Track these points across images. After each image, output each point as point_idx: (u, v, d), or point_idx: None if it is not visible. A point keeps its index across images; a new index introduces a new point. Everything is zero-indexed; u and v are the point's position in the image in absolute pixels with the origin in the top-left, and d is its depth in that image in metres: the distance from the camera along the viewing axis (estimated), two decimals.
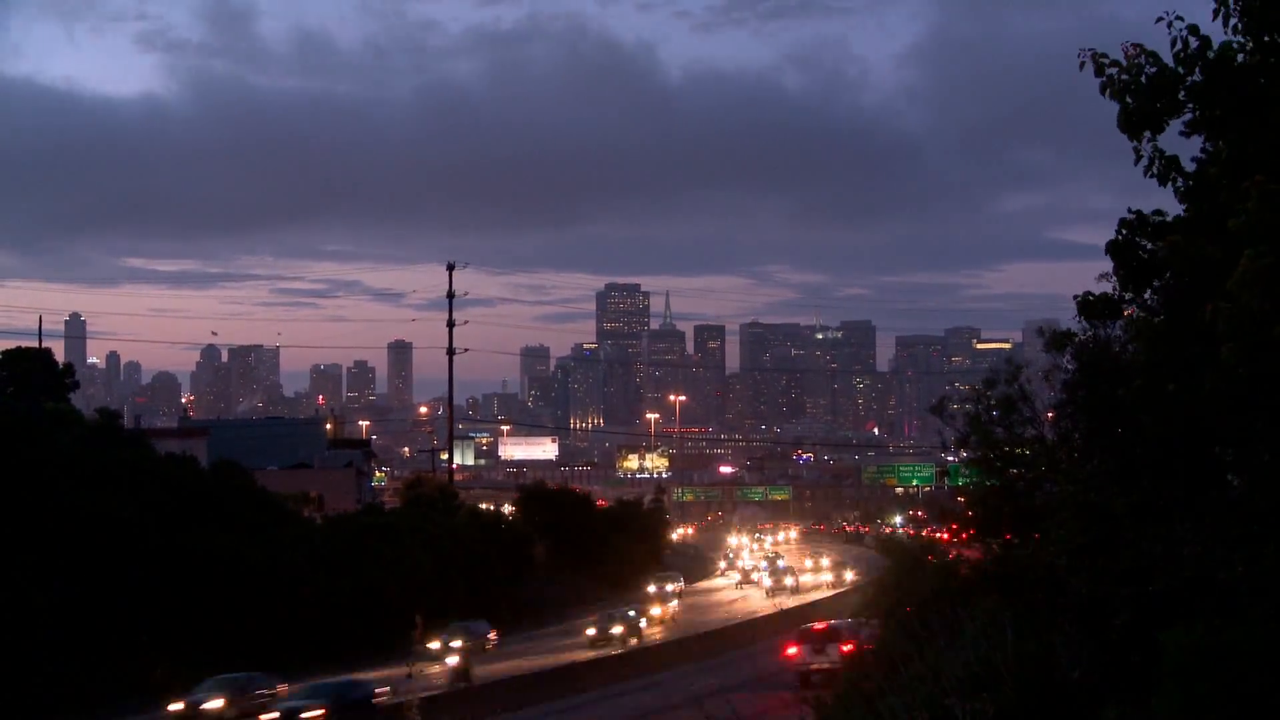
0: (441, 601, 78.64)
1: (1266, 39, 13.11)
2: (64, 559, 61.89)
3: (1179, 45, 13.32)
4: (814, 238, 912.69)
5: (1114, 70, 13.61)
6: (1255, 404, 12.68)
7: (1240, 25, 13.19)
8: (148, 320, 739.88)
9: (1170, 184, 13.92)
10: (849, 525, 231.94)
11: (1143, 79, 13.48)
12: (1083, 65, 13.73)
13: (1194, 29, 13.33)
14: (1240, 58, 13.31)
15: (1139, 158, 13.80)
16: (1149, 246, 14.56)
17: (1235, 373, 12.15)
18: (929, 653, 20.80)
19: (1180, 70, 13.42)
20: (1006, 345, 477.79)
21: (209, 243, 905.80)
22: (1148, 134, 13.71)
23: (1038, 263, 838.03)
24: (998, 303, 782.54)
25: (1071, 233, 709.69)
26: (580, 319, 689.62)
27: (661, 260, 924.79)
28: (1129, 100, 13.53)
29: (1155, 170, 13.84)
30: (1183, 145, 14.09)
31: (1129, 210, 14.74)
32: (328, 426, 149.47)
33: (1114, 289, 15.59)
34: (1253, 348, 11.75)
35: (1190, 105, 13.59)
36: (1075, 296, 16.23)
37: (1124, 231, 14.59)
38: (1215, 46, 13.35)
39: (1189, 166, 14.05)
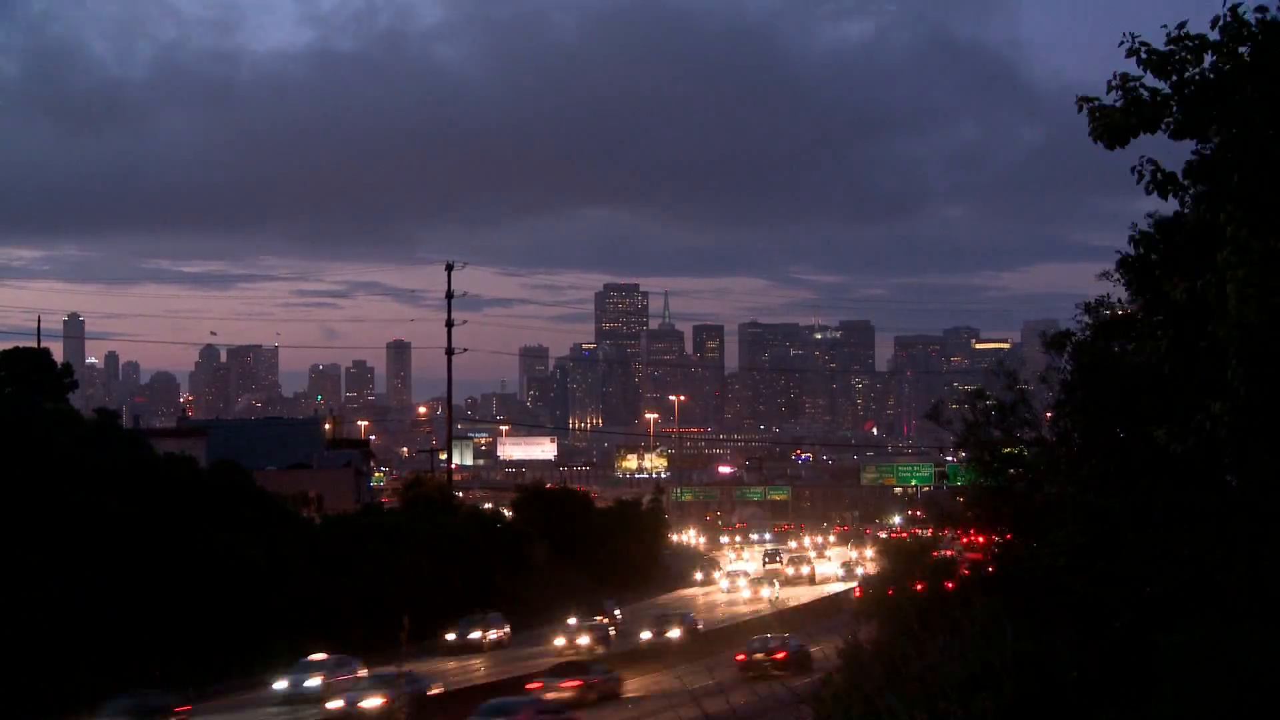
0: (440, 601, 78.75)
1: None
2: (62, 559, 61.86)
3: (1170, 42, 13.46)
4: (836, 238, 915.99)
5: (1099, 113, 13.94)
6: (1261, 419, 12.69)
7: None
8: (164, 321, 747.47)
9: (1173, 196, 14.04)
10: (846, 526, 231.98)
11: (1141, 91, 13.63)
12: (1081, 108, 14.04)
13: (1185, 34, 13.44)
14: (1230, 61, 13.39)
15: (1140, 177, 13.95)
16: (1158, 261, 14.66)
17: (1240, 390, 12.17)
18: (928, 653, 20.80)
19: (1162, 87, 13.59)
20: (1005, 345, 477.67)
21: (239, 244, 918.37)
22: (1146, 158, 13.87)
23: (1060, 264, 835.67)
24: (1018, 305, 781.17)
25: (1095, 235, 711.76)
26: (585, 320, 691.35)
27: (670, 261, 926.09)
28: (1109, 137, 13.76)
29: (1154, 185, 13.96)
30: (1178, 150, 14.20)
31: (1144, 218, 14.86)
32: (326, 426, 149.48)
33: (1122, 301, 15.65)
34: (1256, 366, 11.78)
35: (1168, 123, 13.77)
36: (1086, 304, 16.27)
37: (1139, 249, 14.72)
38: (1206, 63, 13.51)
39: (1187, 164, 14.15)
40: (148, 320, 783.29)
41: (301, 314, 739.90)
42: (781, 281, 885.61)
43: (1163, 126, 13.79)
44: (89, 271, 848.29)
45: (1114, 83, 13.82)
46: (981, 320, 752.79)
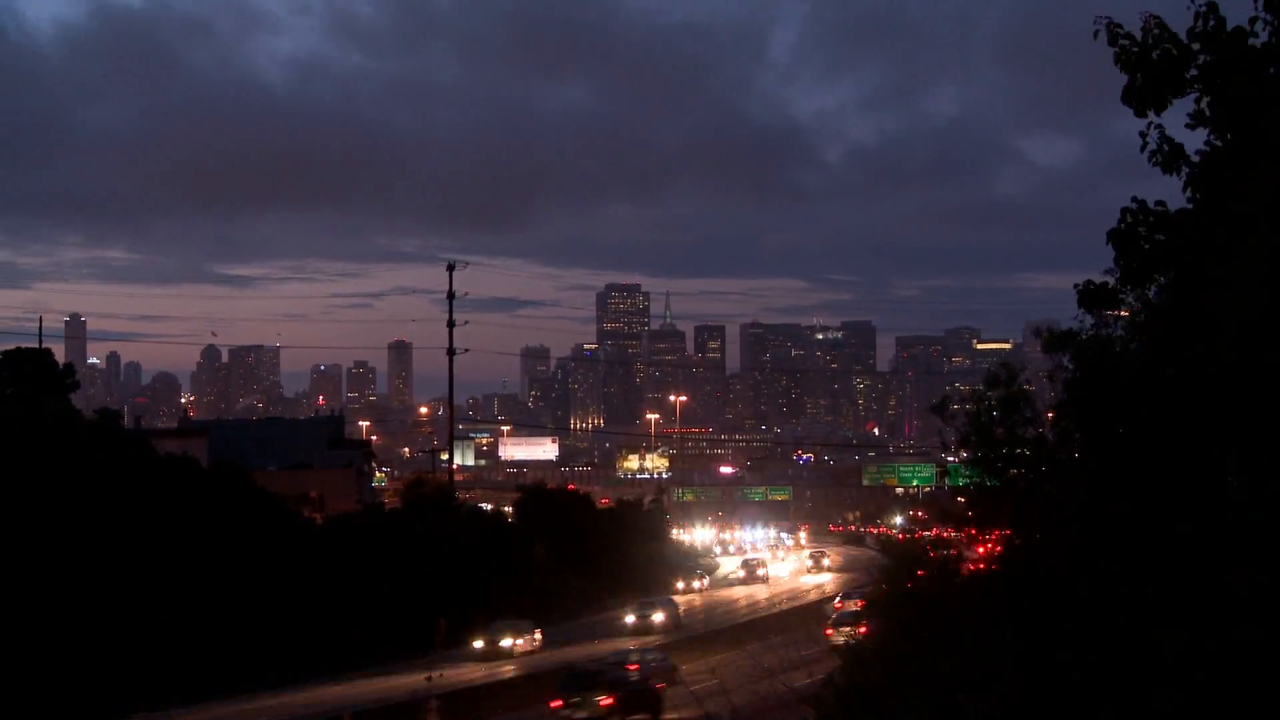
0: (440, 602, 78.65)
1: None
2: (62, 560, 61.82)
3: (1198, 22, 13.17)
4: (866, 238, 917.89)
5: (1126, 42, 13.46)
6: (1257, 397, 12.60)
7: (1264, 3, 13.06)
8: (189, 324, 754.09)
9: (1174, 173, 13.82)
10: (850, 526, 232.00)
11: (1155, 55, 13.32)
12: (1096, 34, 13.57)
13: (1213, 7, 13.16)
14: (1258, 40, 13.17)
15: (1145, 144, 13.69)
16: (1153, 237, 14.43)
17: (1237, 364, 12.07)
18: (929, 653, 20.77)
19: (1194, 47, 13.26)
20: (1006, 345, 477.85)
21: (282, 244, 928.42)
22: (1153, 117, 13.59)
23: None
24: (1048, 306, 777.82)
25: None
26: (587, 320, 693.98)
27: (681, 259, 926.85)
28: (1138, 75, 13.38)
29: (1160, 157, 13.74)
30: (1188, 137, 14.01)
31: (1132, 199, 14.61)
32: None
33: (1115, 281, 15.49)
34: (1255, 338, 11.67)
35: (1197, 86, 13.44)
36: (1075, 286, 16.13)
37: (1127, 220, 14.45)
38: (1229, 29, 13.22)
39: (1194, 157, 13.95)
40: (184, 323, 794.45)
41: (341, 315, 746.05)
42: (815, 283, 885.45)
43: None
44: (131, 273, 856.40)
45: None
46: (986, 320, 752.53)
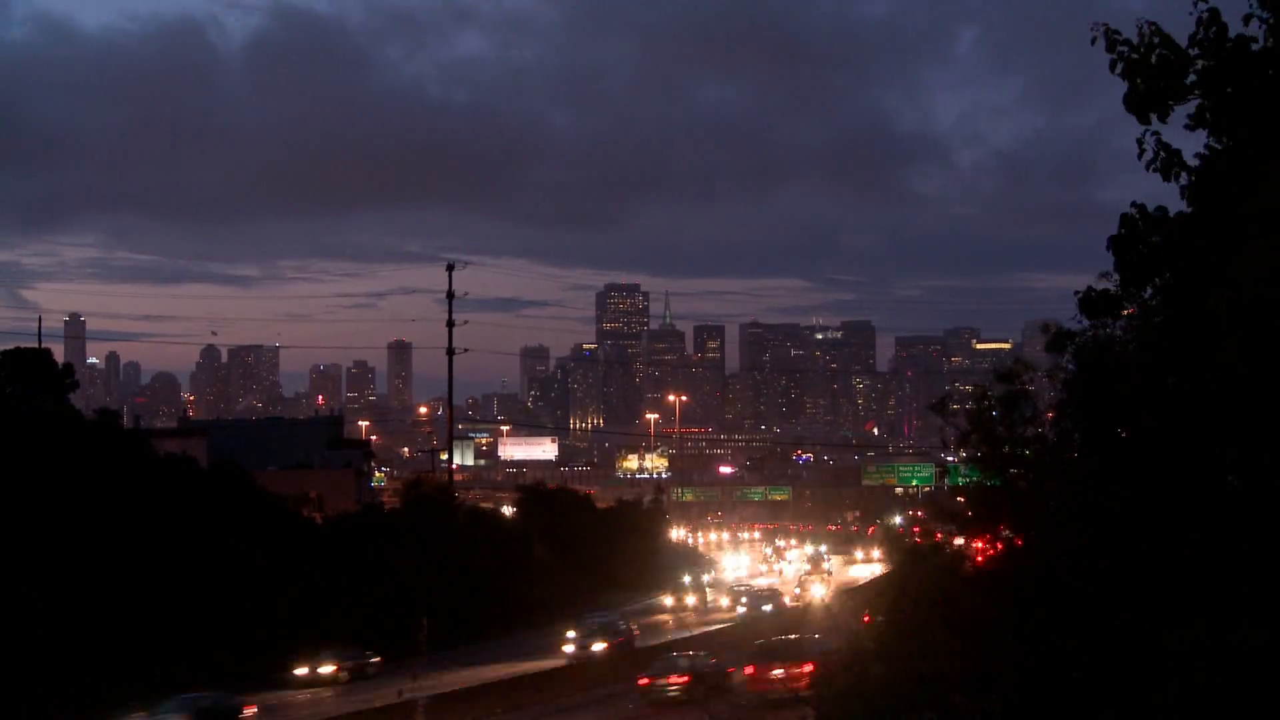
0: (439, 602, 78.61)
1: None
2: (61, 560, 61.80)
3: (1199, 28, 13.16)
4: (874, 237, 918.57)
5: (1125, 48, 13.45)
6: (1257, 400, 12.59)
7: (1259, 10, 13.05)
8: (195, 324, 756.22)
9: (1173, 179, 13.80)
10: (854, 526, 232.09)
11: (1153, 59, 13.30)
12: (1094, 40, 13.55)
13: (1216, 13, 13.14)
14: (1257, 44, 13.16)
15: (1142, 151, 13.67)
16: (1151, 240, 14.41)
17: (1237, 367, 12.05)
18: (930, 653, 20.76)
19: (1192, 52, 13.25)
20: (1006, 345, 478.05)
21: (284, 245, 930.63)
22: (1154, 121, 13.57)
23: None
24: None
25: None
26: (586, 320, 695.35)
27: (686, 259, 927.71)
28: (1139, 81, 13.36)
29: (1158, 164, 13.71)
30: (1186, 141, 13.98)
31: (1132, 204, 14.58)
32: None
33: (1114, 287, 15.48)
34: (1256, 340, 11.65)
35: (1198, 91, 13.43)
36: (1076, 293, 16.12)
37: (1127, 226, 14.43)
38: (1232, 36, 13.21)
39: (1192, 162, 13.92)
40: (184, 322, 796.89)
41: (345, 315, 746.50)
42: (817, 283, 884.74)
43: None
44: (136, 272, 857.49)
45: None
46: (982, 320, 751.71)
